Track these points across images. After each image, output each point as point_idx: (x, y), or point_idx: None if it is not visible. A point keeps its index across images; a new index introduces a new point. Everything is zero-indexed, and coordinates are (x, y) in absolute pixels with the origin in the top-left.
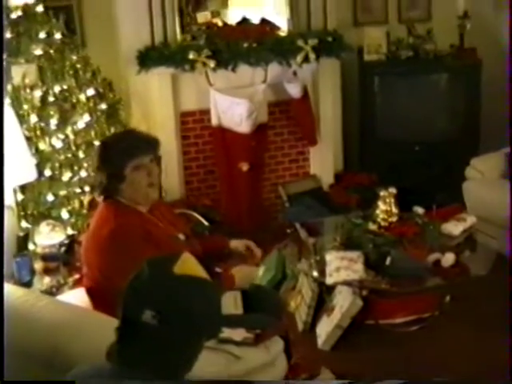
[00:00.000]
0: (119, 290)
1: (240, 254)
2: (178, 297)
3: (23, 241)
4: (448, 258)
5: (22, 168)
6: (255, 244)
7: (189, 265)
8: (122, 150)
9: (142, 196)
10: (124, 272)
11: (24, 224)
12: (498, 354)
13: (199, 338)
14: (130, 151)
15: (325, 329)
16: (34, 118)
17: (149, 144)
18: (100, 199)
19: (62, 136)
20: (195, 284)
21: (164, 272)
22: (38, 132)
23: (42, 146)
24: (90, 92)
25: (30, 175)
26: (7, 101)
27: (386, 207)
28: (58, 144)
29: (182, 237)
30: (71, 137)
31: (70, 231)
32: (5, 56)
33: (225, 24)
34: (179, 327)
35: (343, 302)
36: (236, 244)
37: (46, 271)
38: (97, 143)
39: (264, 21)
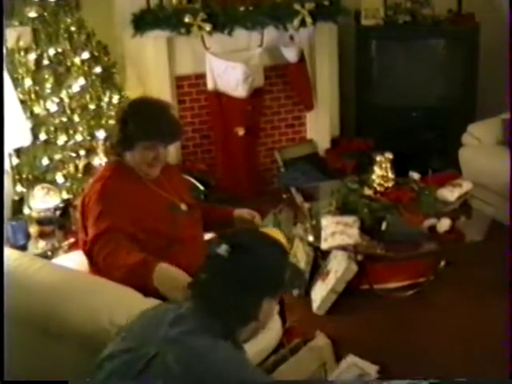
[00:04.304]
0: None
1: (243, 221)
2: None
3: (18, 205)
4: (443, 224)
5: (16, 132)
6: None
7: None
8: (144, 126)
9: (140, 169)
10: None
11: (19, 188)
12: (491, 319)
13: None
14: (150, 134)
15: (320, 293)
16: (28, 82)
17: (172, 136)
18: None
19: (56, 99)
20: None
21: None
22: (33, 95)
23: (37, 109)
24: (85, 55)
25: (25, 139)
26: None
27: (381, 172)
28: (53, 108)
29: (183, 207)
30: (66, 100)
31: (65, 195)
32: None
33: None
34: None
35: (338, 267)
36: (240, 212)
37: (41, 235)
38: (92, 107)
39: None
